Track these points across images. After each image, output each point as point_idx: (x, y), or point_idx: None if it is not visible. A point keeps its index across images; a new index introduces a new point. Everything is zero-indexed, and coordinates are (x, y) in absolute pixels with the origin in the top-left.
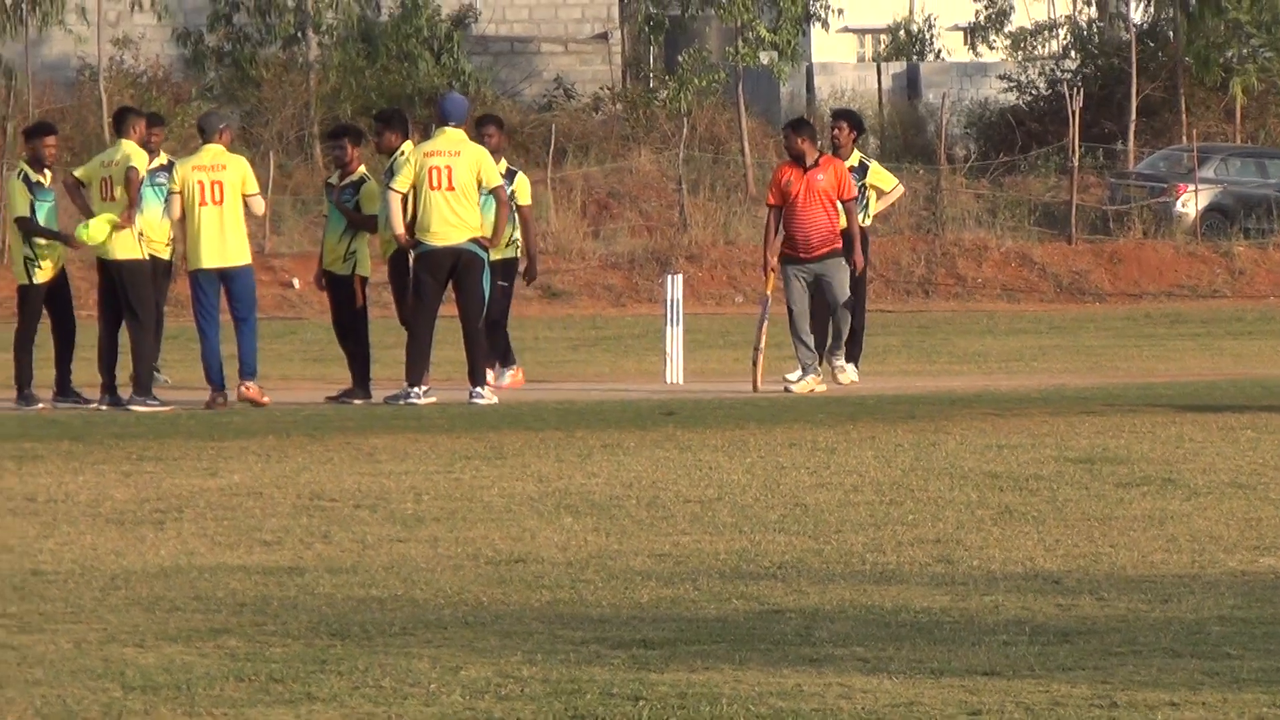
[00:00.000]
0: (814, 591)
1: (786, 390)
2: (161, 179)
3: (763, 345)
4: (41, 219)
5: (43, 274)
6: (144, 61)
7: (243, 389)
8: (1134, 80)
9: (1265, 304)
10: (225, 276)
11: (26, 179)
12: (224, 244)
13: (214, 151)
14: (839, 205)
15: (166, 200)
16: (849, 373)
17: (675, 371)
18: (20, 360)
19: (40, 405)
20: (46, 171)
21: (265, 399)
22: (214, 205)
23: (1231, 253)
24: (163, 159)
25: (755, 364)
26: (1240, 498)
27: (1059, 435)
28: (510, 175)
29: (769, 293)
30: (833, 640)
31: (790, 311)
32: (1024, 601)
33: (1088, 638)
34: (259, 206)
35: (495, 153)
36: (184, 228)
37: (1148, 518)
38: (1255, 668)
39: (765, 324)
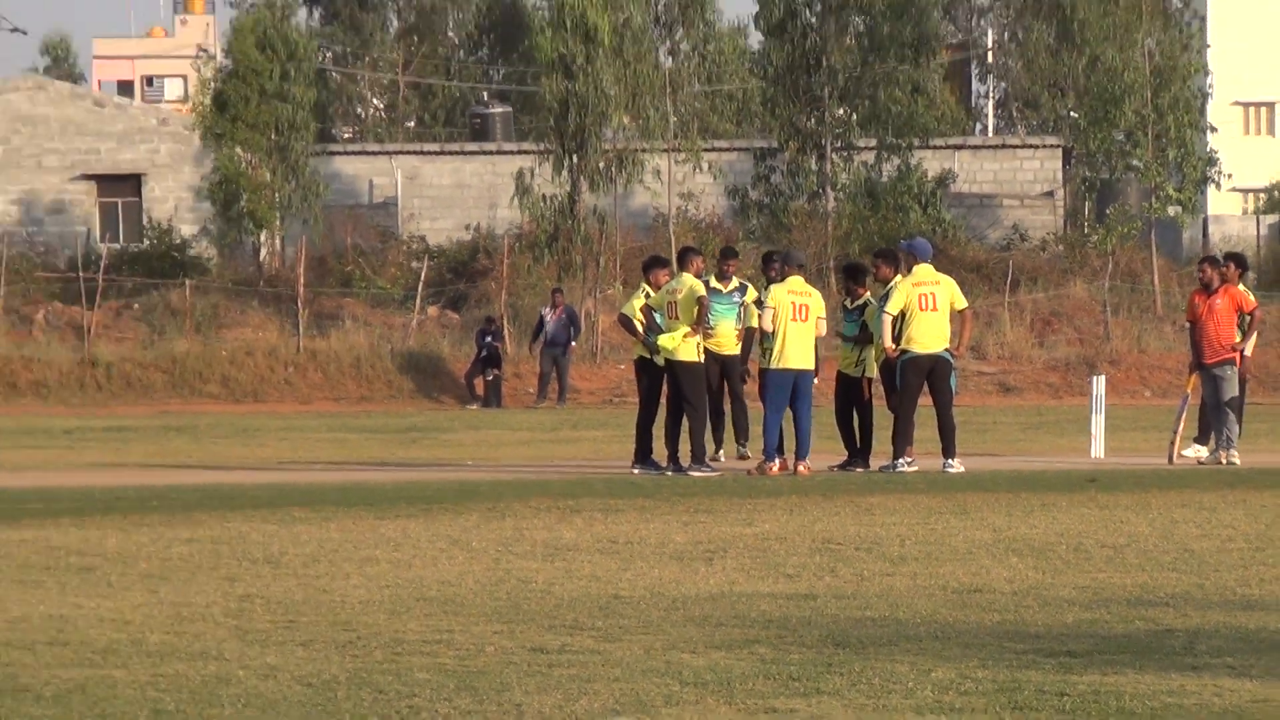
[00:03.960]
0: (1196, 615)
1: (1199, 463)
2: (736, 298)
3: (1180, 429)
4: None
5: (658, 359)
6: (703, 210)
7: (800, 468)
8: None
9: None
10: (796, 377)
11: (647, 296)
12: (801, 353)
13: (799, 281)
14: (1239, 317)
15: (744, 310)
16: (1236, 456)
17: (1098, 448)
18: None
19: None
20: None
21: (809, 472)
22: (800, 323)
23: None
24: (736, 282)
25: (1172, 443)
26: None
27: None
28: (743, 289)
29: (1189, 390)
30: (1209, 652)
31: (1204, 403)
32: None
33: None
34: (824, 328)
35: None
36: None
37: None
38: None
39: (1184, 413)
